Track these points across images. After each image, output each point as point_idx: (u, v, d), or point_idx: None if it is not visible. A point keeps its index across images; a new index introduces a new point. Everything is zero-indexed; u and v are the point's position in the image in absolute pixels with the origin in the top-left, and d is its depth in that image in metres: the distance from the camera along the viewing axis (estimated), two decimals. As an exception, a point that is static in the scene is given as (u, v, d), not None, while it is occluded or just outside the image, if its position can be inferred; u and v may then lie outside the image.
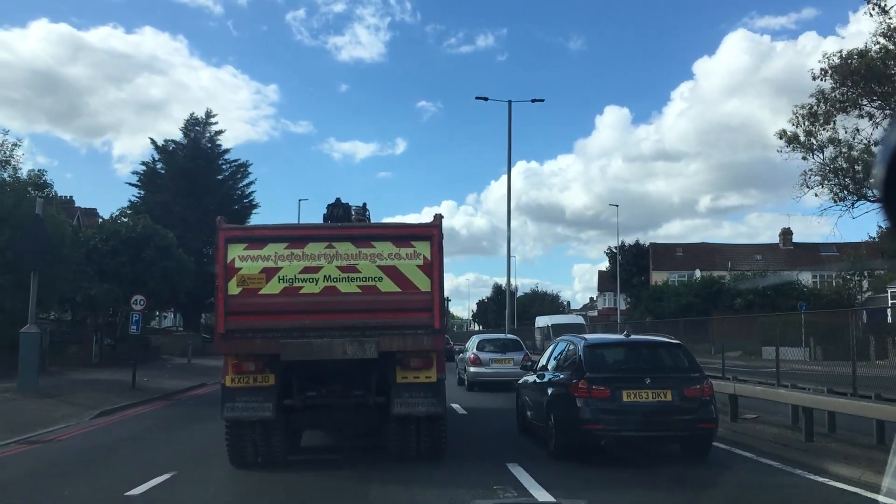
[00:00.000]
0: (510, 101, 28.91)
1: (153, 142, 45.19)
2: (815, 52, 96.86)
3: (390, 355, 8.15)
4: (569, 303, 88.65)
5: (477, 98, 28.91)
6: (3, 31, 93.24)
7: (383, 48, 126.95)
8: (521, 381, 11.58)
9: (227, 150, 47.43)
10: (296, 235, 8.37)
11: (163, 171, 44.78)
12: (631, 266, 55.88)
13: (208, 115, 46.70)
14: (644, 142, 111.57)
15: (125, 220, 31.60)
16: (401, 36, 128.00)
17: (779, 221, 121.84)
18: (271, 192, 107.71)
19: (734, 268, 51.38)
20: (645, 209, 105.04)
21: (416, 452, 8.48)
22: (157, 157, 45.25)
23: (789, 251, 54.27)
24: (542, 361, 10.69)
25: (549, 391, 9.33)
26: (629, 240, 60.05)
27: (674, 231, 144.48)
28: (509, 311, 29.16)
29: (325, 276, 8.06)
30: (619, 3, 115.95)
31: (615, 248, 55.15)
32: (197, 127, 46.04)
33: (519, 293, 68.42)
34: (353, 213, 10.44)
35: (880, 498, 6.39)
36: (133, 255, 28.93)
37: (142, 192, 44.31)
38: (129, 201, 43.51)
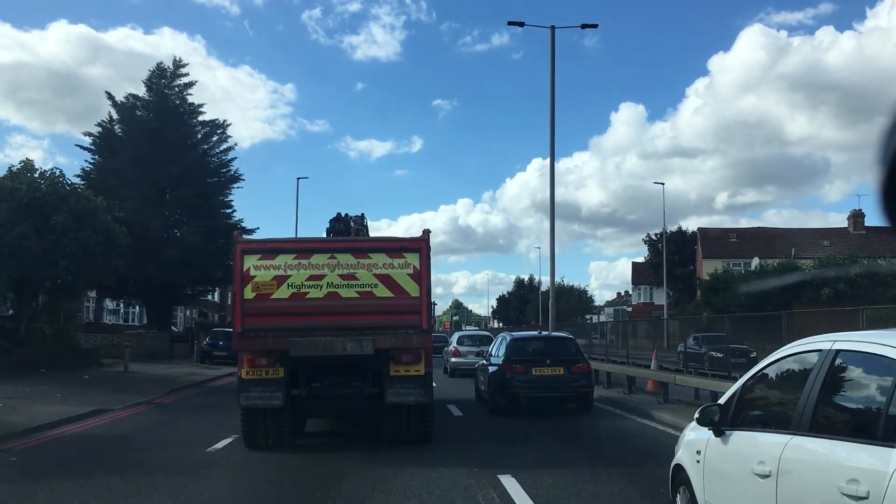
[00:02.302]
0: (553, 27, 28.43)
1: (110, 96, 43.65)
2: (832, 47, 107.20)
3: (384, 352, 11.61)
4: (592, 298, 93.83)
5: (510, 23, 27.69)
6: (23, 33, 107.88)
7: (399, 47, 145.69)
8: (476, 365, 19.81)
9: (200, 108, 45.53)
10: (303, 248, 11.87)
11: (122, 134, 43.31)
12: (673, 255, 58.19)
13: (177, 64, 44.67)
14: (660, 138, 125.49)
15: (34, 175, 27.36)
16: (416, 34, 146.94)
17: (797, 218, 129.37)
18: (284, 189, 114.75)
19: (799, 254, 54.57)
20: (661, 205, 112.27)
21: (406, 436, 12.11)
22: (115, 116, 43.50)
23: (861, 236, 57.29)
24: (491, 350, 18.28)
25: (490, 370, 16.82)
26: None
27: (690, 228, 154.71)
28: (552, 305, 30.16)
29: (328, 283, 11.54)
30: (633, 0, 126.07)
31: (655, 235, 57.74)
32: (163, 80, 44.16)
33: (542, 288, 72.76)
34: (352, 222, 14.09)
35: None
36: (40, 223, 25.47)
37: (95, 157, 43.39)
38: (82, 169, 42.90)
